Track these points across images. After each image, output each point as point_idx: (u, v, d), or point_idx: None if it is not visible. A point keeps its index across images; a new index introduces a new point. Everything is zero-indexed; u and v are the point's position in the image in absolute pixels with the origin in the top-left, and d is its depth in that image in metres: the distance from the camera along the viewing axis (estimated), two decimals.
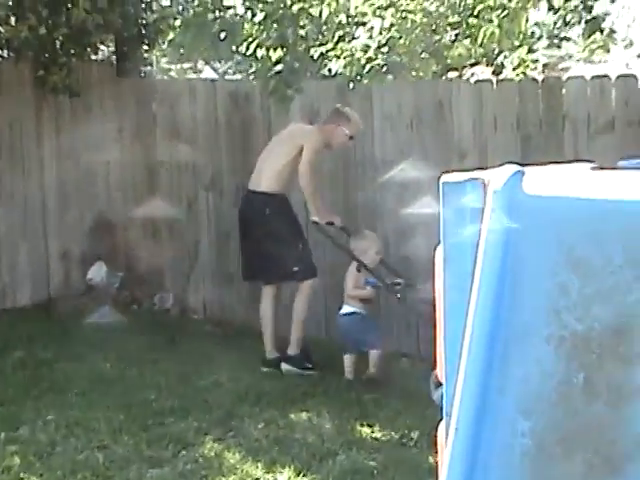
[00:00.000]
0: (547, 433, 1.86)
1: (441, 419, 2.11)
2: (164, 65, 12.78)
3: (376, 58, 7.20)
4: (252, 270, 7.20)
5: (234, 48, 6.32)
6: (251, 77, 7.99)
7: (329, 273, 7.46)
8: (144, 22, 9.03)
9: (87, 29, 8.21)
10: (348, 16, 8.12)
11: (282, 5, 6.49)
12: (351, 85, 7.32)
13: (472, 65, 12.76)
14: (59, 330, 7.83)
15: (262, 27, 6.42)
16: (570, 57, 19.61)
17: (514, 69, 12.09)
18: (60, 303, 8.55)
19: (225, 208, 8.41)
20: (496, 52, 9.39)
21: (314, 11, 6.94)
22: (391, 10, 7.11)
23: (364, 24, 7.89)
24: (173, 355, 7.25)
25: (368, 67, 7.19)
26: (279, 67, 6.63)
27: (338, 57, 7.74)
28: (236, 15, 6.17)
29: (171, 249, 8.79)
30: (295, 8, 6.60)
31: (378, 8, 7.70)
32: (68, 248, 8.88)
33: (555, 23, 11.32)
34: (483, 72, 12.99)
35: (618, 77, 6.68)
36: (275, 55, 6.55)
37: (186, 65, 14.33)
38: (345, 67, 7.54)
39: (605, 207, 1.81)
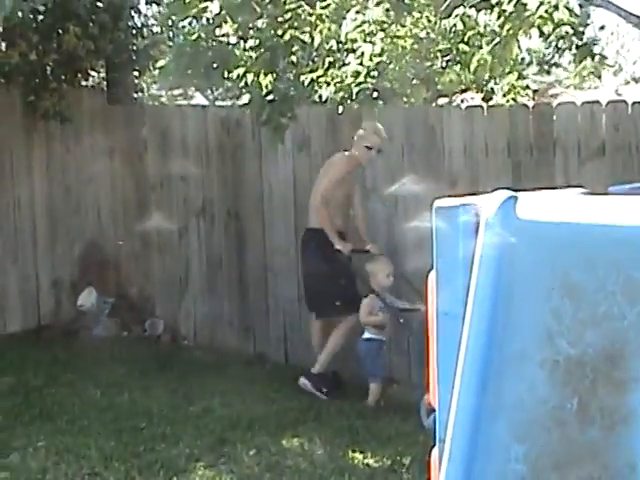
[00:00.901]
0: (541, 458, 1.86)
1: (434, 445, 2.11)
2: (154, 91, 12.81)
3: (366, 82, 7.20)
4: (308, 303, 7.31)
5: (226, 75, 6.31)
6: (241, 104, 7.99)
7: None
8: (135, 48, 9.05)
9: (78, 55, 8.24)
10: (339, 42, 8.14)
11: (274, 32, 6.50)
12: (340, 109, 7.33)
13: (462, 91, 12.84)
14: (49, 357, 7.80)
15: (254, 54, 6.42)
16: (560, 83, 19.74)
17: (504, 95, 12.16)
18: (50, 329, 8.52)
19: (216, 235, 8.42)
20: (486, 78, 9.41)
21: (305, 37, 6.95)
22: (381, 35, 7.12)
23: (354, 50, 7.91)
24: (164, 381, 7.23)
25: (357, 91, 7.19)
26: (271, 96, 6.62)
27: (328, 84, 7.75)
28: (228, 44, 6.19)
29: (162, 275, 8.78)
30: (287, 36, 6.61)
31: (368, 34, 7.72)
32: (59, 274, 8.86)
33: (546, 49, 11.38)
34: (473, 98, 13.06)
35: (608, 103, 6.72)
36: (265, 81, 6.55)
37: (176, 92, 14.37)
38: (335, 93, 7.55)
39: (599, 232, 1.82)
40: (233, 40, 6.37)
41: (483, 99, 12.52)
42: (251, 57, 6.89)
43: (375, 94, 7.44)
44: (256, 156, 8.11)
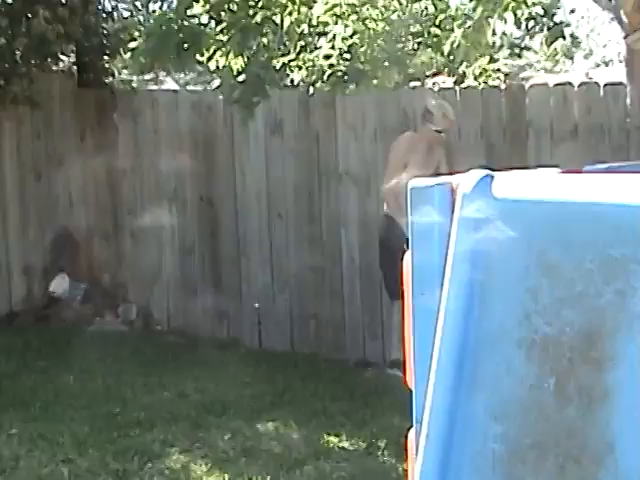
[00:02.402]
0: (519, 438, 1.85)
1: (411, 426, 2.10)
2: (125, 77, 12.71)
3: (338, 65, 7.20)
4: (388, 290, 6.96)
5: (198, 58, 6.27)
6: (213, 88, 7.95)
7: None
8: (105, 32, 8.98)
9: (47, 39, 8.15)
10: (310, 26, 8.12)
11: (246, 13, 6.47)
12: (311, 91, 7.32)
13: (434, 75, 12.83)
14: (21, 343, 7.74)
15: (226, 35, 6.38)
16: (531, 66, 19.77)
17: (476, 78, 12.16)
18: (22, 316, 8.46)
19: (189, 220, 8.38)
20: (458, 62, 9.41)
21: (277, 19, 6.91)
22: (353, 17, 7.10)
23: (326, 34, 7.89)
24: (137, 367, 7.19)
25: (329, 74, 7.18)
26: (242, 77, 6.59)
27: (300, 67, 7.74)
28: (200, 24, 6.14)
29: (134, 261, 8.73)
30: (258, 17, 6.57)
31: (339, 17, 7.70)
32: (30, 260, 8.79)
33: (518, 31, 11.36)
34: (444, 82, 13.05)
35: (580, 84, 6.73)
36: (237, 64, 6.52)
37: (147, 77, 14.26)
38: (307, 76, 7.54)
39: (576, 211, 1.80)
40: (204, 20, 6.33)
41: (455, 82, 12.53)
42: (221, 39, 6.86)
43: (346, 77, 7.44)
44: (228, 141, 8.07)
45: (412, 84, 11.18)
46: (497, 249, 1.88)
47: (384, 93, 7.67)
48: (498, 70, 13.88)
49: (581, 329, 1.77)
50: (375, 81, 7.79)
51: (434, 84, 12.08)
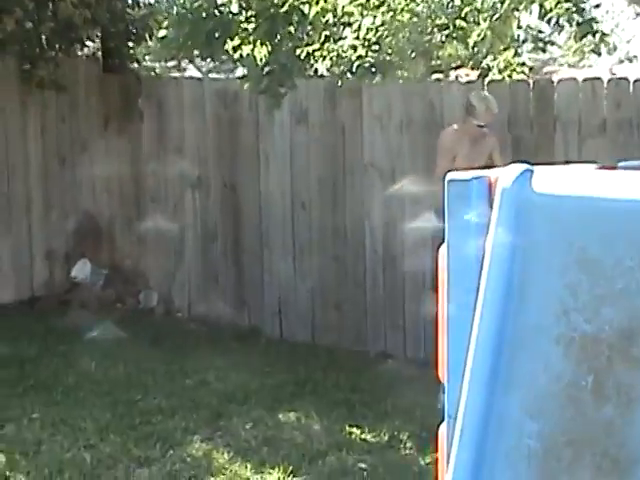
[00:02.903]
0: (555, 435, 1.84)
1: (442, 421, 2.08)
2: (148, 63, 12.71)
3: (366, 56, 7.16)
4: None
5: (227, 46, 6.26)
6: (240, 77, 7.93)
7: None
8: (131, 18, 8.97)
9: (74, 24, 8.16)
10: (335, 16, 8.08)
11: (274, 3, 6.44)
12: (339, 83, 7.29)
13: (456, 68, 12.77)
14: (43, 327, 7.77)
15: (254, 24, 6.36)
16: (554, 61, 19.67)
17: (500, 72, 12.09)
18: (44, 300, 8.48)
19: (212, 207, 8.37)
20: (483, 55, 9.36)
21: (304, 9, 6.89)
22: (382, 9, 7.06)
23: (350, 24, 7.85)
24: (159, 354, 7.20)
25: (357, 65, 7.15)
26: (268, 67, 6.57)
27: (324, 57, 7.70)
28: (230, 13, 6.13)
29: (156, 247, 8.74)
30: (286, 6, 6.55)
31: (365, 8, 7.65)
32: (52, 245, 8.81)
33: (543, 26, 11.29)
34: (468, 75, 12.99)
35: (610, 80, 6.68)
36: (260, 53, 6.49)
37: (170, 64, 14.25)
38: (332, 66, 7.51)
39: (617, 208, 1.78)
40: (234, 9, 6.30)
41: (479, 76, 12.46)
42: (247, 29, 6.84)
43: (373, 68, 7.40)
44: (253, 129, 8.05)
45: (435, 76, 11.13)
46: (536, 244, 1.87)
47: (411, 85, 7.62)
48: (523, 64, 13.80)
49: (621, 327, 1.75)
50: (401, 72, 7.75)
51: (457, 77, 12.04)
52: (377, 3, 7.66)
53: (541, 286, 1.86)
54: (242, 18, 6.35)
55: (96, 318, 8.09)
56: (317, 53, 7.72)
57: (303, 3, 7.07)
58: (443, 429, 2.11)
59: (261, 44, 6.86)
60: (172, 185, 8.59)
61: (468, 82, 7.96)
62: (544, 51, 17.26)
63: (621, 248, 1.75)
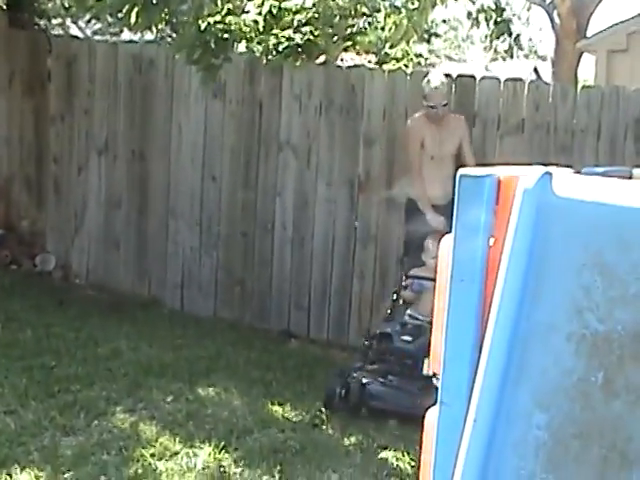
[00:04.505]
0: (564, 427, 1.92)
1: (432, 405, 2.16)
2: (68, 23, 12.32)
3: (294, 37, 7.17)
4: None
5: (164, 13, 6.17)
6: (170, 43, 7.81)
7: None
8: None
9: None
10: None
11: None
12: (264, 61, 7.28)
13: (343, 50, 12.88)
14: None
15: None
16: (432, 52, 20.03)
17: (397, 61, 12.28)
18: None
19: (118, 173, 8.24)
20: (393, 42, 9.49)
21: None
22: None
23: None
24: (63, 320, 7.08)
25: (285, 45, 7.15)
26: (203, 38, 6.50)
27: (247, 39, 7.67)
28: None
29: (56, 211, 8.55)
30: None
31: None
32: None
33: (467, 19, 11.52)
34: (353, 59, 13.12)
35: (531, 82, 6.89)
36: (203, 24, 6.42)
37: (55, 21, 13.80)
38: (257, 44, 7.49)
39: (635, 215, 1.88)
40: None
41: (377, 63, 12.63)
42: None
43: (300, 49, 7.42)
44: (168, 98, 7.95)
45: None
46: (553, 245, 1.96)
47: (333, 68, 7.67)
48: (420, 55, 14.06)
49: (633, 329, 1.85)
50: (323, 57, 7.79)
51: (341, 60, 12.08)
52: None
53: (556, 285, 1.94)
54: None
55: None
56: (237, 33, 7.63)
57: None
58: (432, 414, 2.19)
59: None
60: (77, 148, 8.41)
61: (391, 70, 8.06)
62: (428, 42, 17.60)
63: (636, 254, 1.85)
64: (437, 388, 5.62)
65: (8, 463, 4.60)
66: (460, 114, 6.63)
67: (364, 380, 5.79)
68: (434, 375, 2.29)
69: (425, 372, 5.66)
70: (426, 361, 5.66)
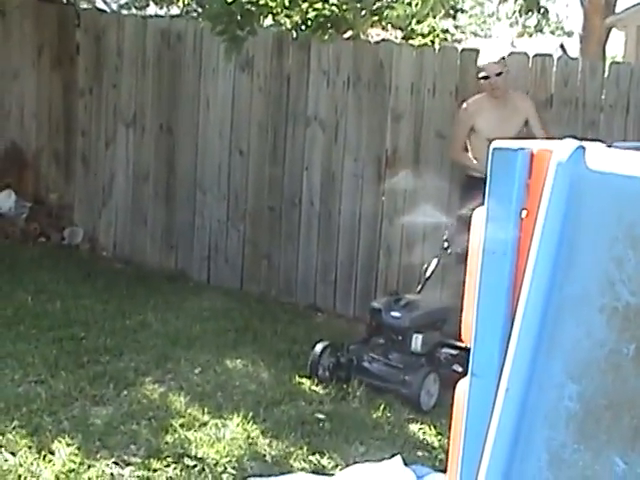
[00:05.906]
0: (595, 398, 1.93)
1: (462, 377, 2.18)
2: None
3: (323, 9, 7.18)
4: None
5: None
6: (198, 15, 7.82)
7: None
8: None
9: None
10: None
11: None
12: (294, 35, 7.28)
13: (370, 25, 12.86)
14: None
15: None
16: (457, 28, 19.94)
17: (424, 36, 12.22)
18: None
19: (145, 147, 8.28)
20: (422, 16, 9.45)
21: None
22: None
23: None
24: (92, 291, 7.14)
25: (314, 17, 7.16)
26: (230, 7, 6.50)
27: (274, 14, 7.68)
28: None
29: (84, 184, 8.61)
30: None
31: None
32: None
33: None
34: (379, 35, 13.08)
35: (560, 57, 6.86)
36: None
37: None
38: (287, 17, 7.50)
39: None
40: None
41: (403, 38, 12.59)
42: None
43: (329, 24, 7.43)
44: (195, 72, 7.98)
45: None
46: (586, 217, 1.97)
47: (361, 43, 7.66)
48: (447, 31, 13.98)
49: None
50: (350, 32, 7.80)
51: (368, 36, 12.06)
52: None
53: (588, 258, 1.95)
54: None
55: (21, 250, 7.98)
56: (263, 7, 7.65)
57: None
58: (463, 385, 2.21)
59: None
60: (105, 122, 8.46)
61: (420, 45, 8.04)
62: (454, 18, 17.52)
63: None
64: (423, 365, 5.72)
65: (40, 431, 4.66)
66: (524, 97, 6.60)
67: (353, 356, 5.82)
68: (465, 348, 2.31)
69: (414, 348, 5.72)
70: (414, 337, 5.72)
